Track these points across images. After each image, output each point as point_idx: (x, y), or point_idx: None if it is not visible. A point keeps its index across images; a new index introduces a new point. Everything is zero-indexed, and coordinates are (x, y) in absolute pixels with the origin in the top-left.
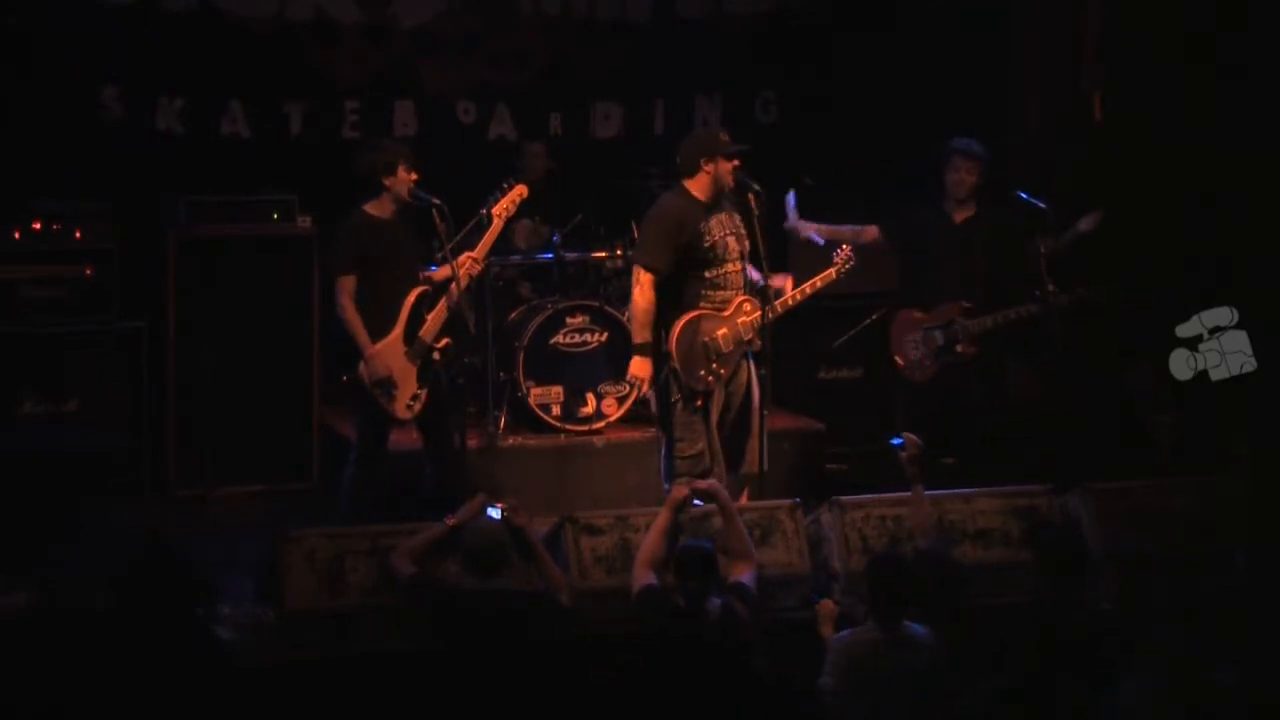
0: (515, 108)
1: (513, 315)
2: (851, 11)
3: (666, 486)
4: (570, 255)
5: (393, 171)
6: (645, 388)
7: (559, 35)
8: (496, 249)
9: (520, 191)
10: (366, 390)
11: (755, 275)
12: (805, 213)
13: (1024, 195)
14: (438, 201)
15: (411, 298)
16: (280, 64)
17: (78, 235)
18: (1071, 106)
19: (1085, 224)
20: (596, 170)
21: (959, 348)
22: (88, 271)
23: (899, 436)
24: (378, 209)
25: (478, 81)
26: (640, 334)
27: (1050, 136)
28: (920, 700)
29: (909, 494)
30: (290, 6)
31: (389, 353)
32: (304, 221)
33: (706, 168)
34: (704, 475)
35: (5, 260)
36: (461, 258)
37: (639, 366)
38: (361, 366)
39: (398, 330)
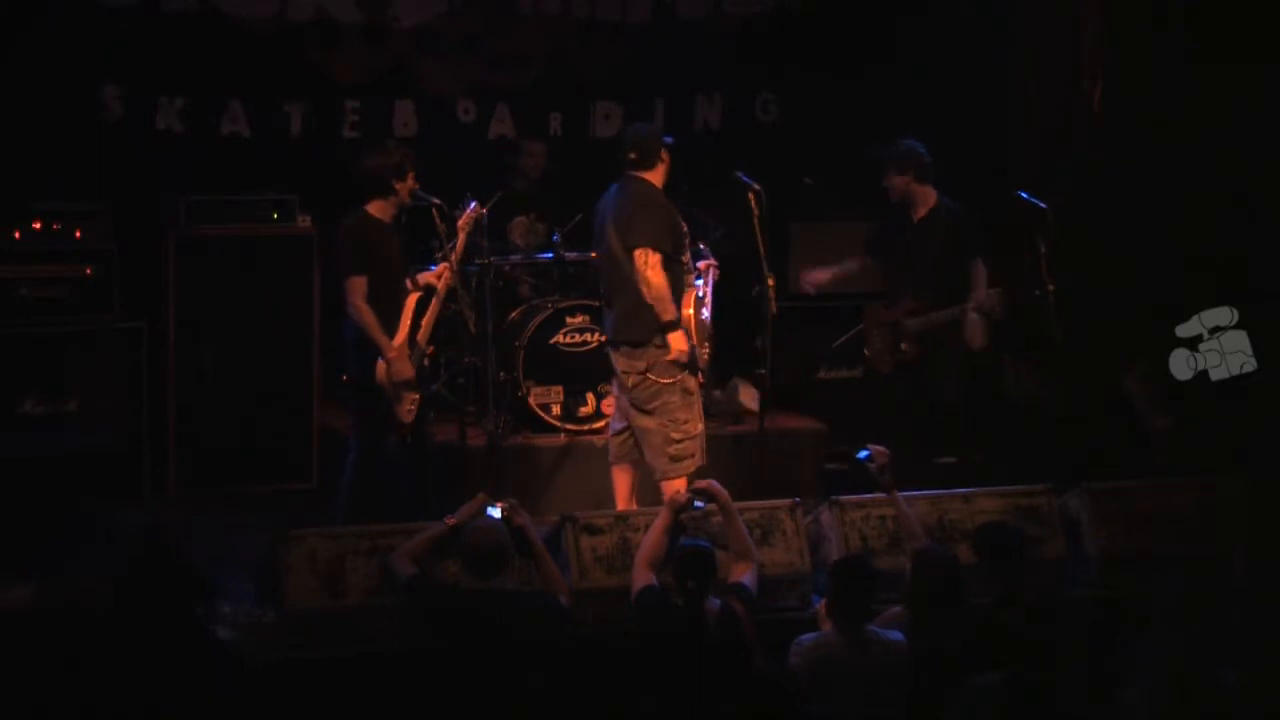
0: (515, 108)
1: (513, 315)
2: (851, 11)
3: (663, 477)
4: (570, 255)
5: (403, 176)
6: (685, 358)
7: (559, 35)
8: (496, 249)
9: (477, 210)
10: (373, 391)
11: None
12: (805, 212)
13: (1024, 195)
14: (438, 202)
15: (412, 301)
16: (280, 64)
17: (78, 235)
18: (1071, 106)
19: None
20: (596, 170)
21: (903, 345)
22: (88, 271)
23: (865, 449)
24: (379, 211)
25: (478, 81)
26: (670, 311)
27: (1050, 136)
28: (884, 703)
29: (907, 495)
30: (290, 6)
31: (403, 354)
32: (304, 221)
33: (664, 158)
34: (696, 456)
35: (5, 260)
36: (439, 268)
37: (682, 340)
38: (381, 367)
39: (403, 333)
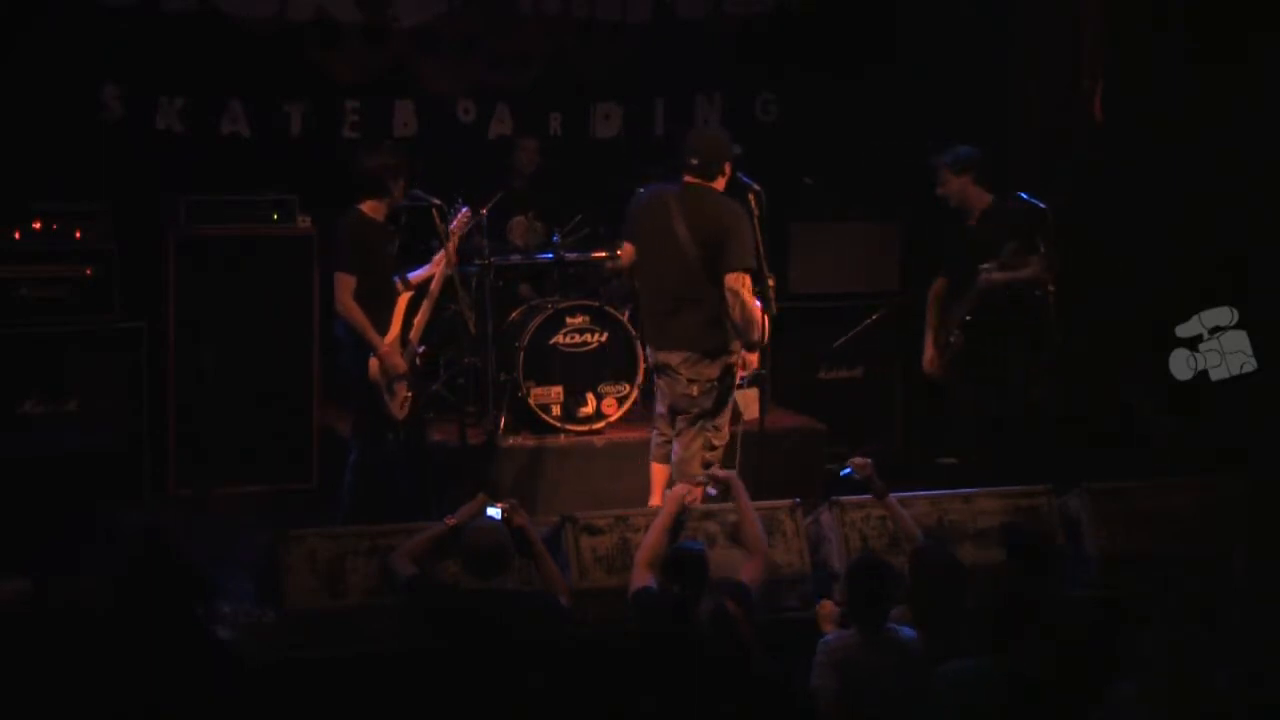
0: (515, 108)
1: (513, 315)
2: (851, 11)
3: (688, 480)
4: (570, 255)
5: (399, 177)
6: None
7: (559, 35)
8: (496, 249)
9: (469, 215)
10: (367, 388)
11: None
12: (805, 212)
13: (1024, 195)
14: (438, 202)
15: (404, 301)
16: (280, 64)
17: (78, 235)
18: (1071, 106)
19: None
20: (596, 170)
21: (951, 338)
22: (88, 271)
23: (846, 467)
24: (373, 211)
25: (478, 81)
26: (758, 334)
27: (1050, 136)
28: (906, 702)
29: (907, 495)
30: (290, 6)
31: (395, 348)
32: (304, 221)
33: (727, 169)
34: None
35: (5, 260)
36: (431, 266)
37: (757, 360)
38: (373, 363)
39: (395, 331)
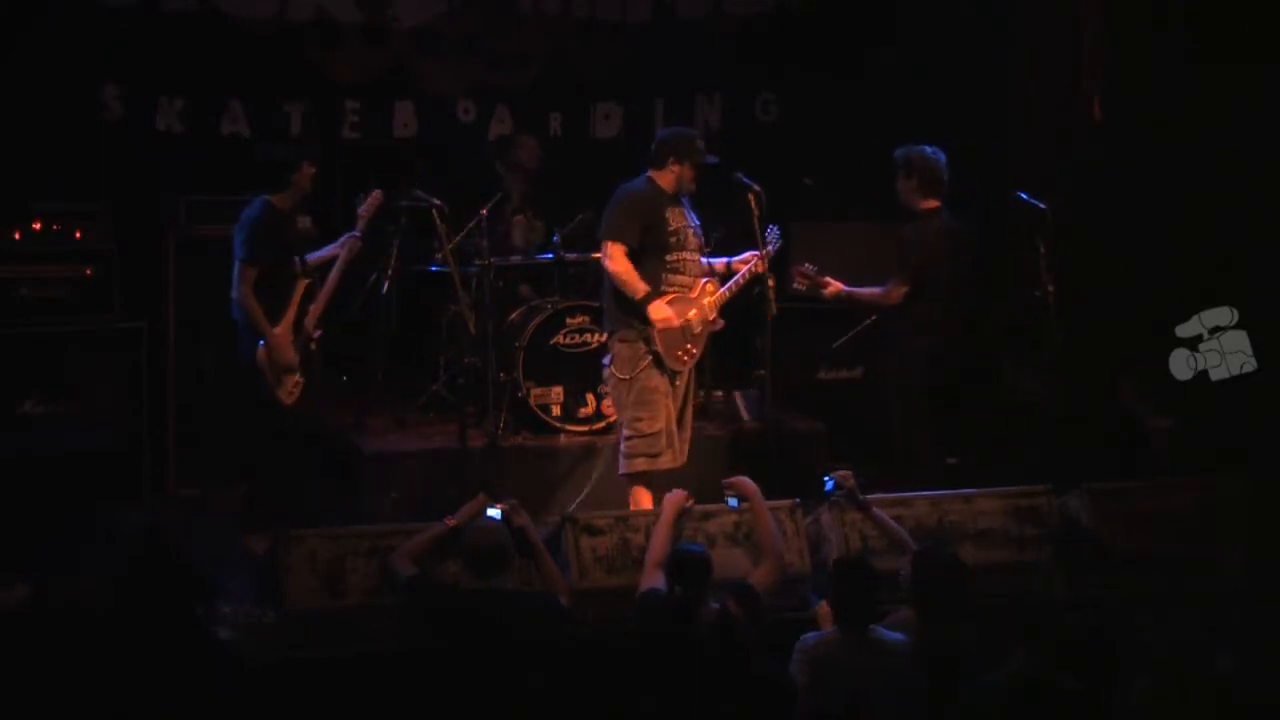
0: (515, 108)
1: (513, 315)
2: (852, 11)
3: (621, 471)
4: (570, 255)
5: (296, 169)
6: (667, 326)
7: (559, 35)
8: (495, 249)
9: (377, 196)
10: (258, 376)
11: (720, 262)
12: (805, 212)
13: (1024, 195)
14: (437, 202)
15: (301, 288)
16: (280, 64)
17: (78, 235)
18: (1071, 106)
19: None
20: (596, 170)
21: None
22: (88, 271)
23: (829, 481)
24: (282, 201)
25: (478, 81)
26: (636, 290)
27: (1050, 136)
28: (888, 704)
29: (907, 496)
30: (290, 6)
31: (285, 339)
32: (304, 221)
33: (673, 167)
34: (658, 457)
35: (5, 260)
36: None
37: (660, 310)
38: (261, 351)
39: (288, 318)
